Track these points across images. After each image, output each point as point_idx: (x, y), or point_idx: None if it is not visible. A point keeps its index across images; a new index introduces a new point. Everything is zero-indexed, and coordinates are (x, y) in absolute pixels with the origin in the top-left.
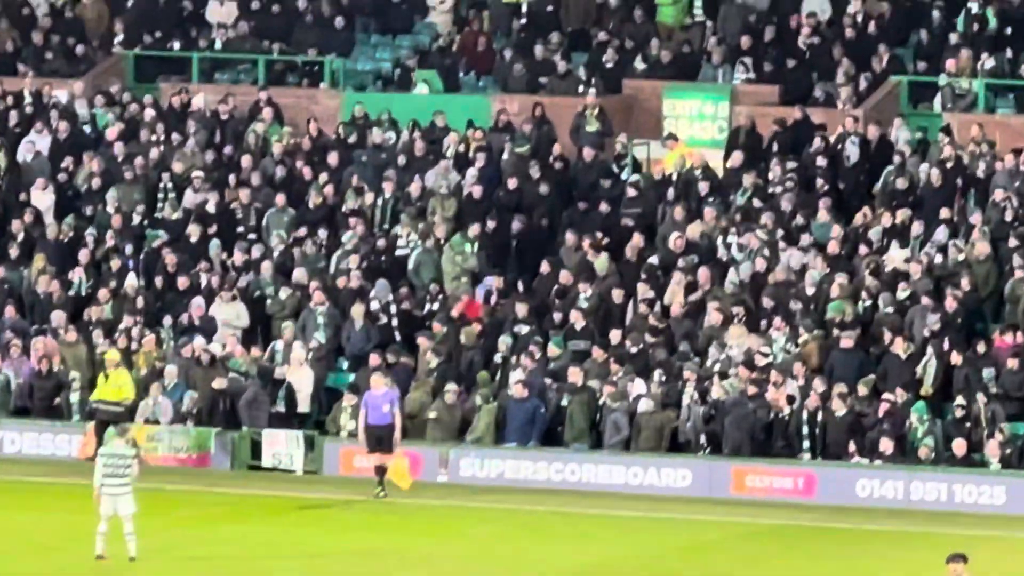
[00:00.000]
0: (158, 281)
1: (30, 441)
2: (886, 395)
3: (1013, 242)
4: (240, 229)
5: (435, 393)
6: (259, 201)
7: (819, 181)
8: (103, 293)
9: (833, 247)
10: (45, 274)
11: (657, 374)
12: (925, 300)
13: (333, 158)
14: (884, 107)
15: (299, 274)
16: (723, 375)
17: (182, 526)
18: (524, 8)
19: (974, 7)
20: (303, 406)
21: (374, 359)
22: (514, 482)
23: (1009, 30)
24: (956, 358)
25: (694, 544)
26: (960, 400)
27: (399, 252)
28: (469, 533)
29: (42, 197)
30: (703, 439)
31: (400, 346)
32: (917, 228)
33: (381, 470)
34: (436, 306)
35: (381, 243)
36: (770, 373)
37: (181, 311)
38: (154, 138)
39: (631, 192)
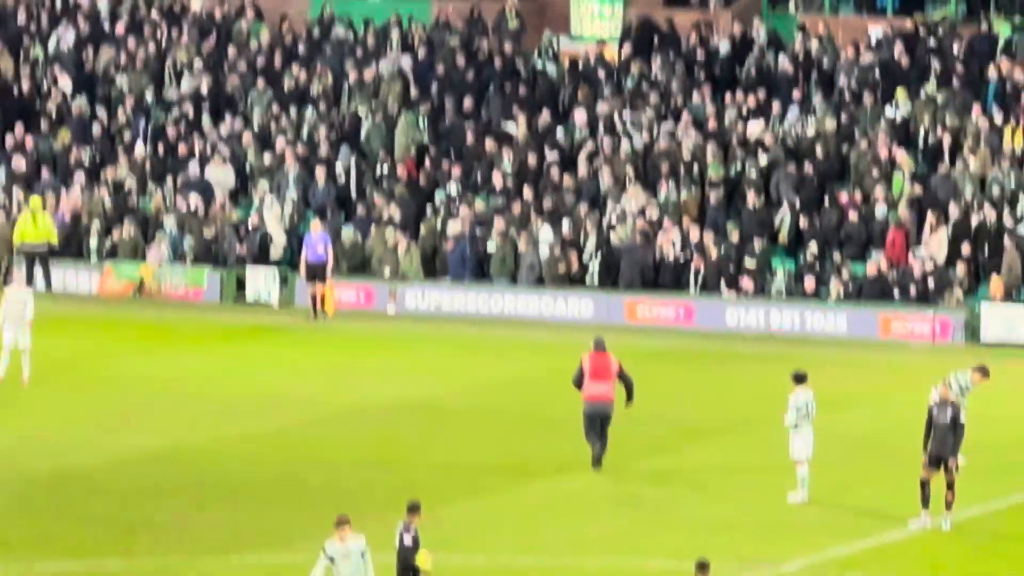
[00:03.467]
0: (161, 149)
1: (54, 277)
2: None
3: (847, 120)
4: (230, 107)
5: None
6: (244, 84)
7: (697, 69)
8: (122, 159)
9: (708, 123)
10: (70, 144)
11: (564, 223)
12: (790, 168)
13: (303, 49)
14: (749, 9)
15: (278, 143)
16: (620, 223)
17: (187, 345)
18: None
19: None
20: (277, 251)
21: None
22: (450, 312)
23: None
24: (805, 218)
25: None
26: (812, 247)
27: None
28: (412, 352)
29: (67, 81)
30: (600, 277)
31: (358, 200)
32: (776, 108)
33: (315, 299)
34: (386, 168)
35: (343, 119)
36: (660, 223)
37: (180, 173)
38: (158, 34)
39: (541, 79)
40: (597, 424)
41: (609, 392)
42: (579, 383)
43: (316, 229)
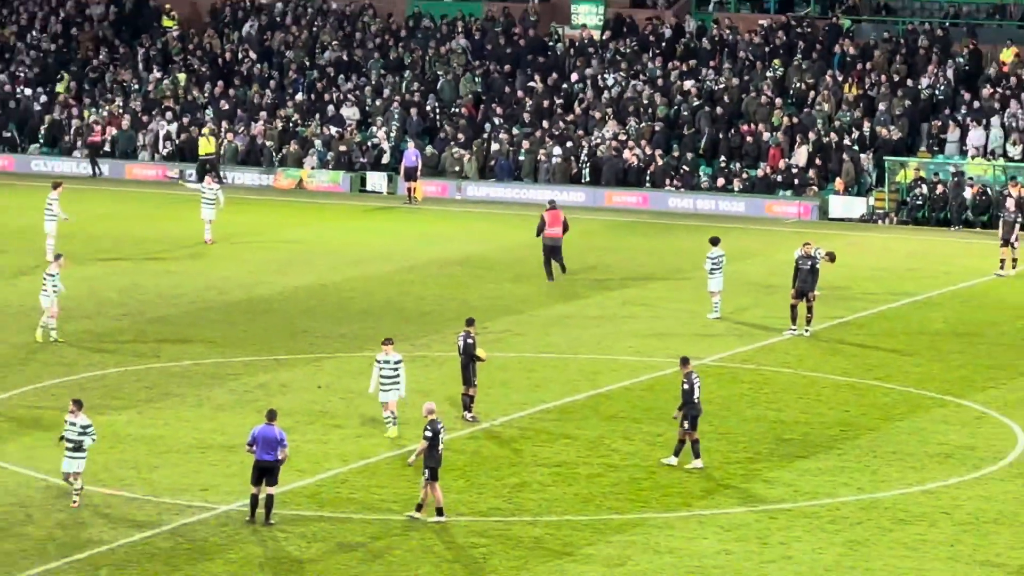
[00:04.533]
0: (313, 96)
1: (245, 178)
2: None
3: (746, 79)
4: (356, 70)
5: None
6: (365, 55)
7: (650, 47)
8: (289, 103)
9: (658, 81)
10: (255, 93)
11: (568, 144)
12: (708, 109)
13: (403, 33)
14: (684, 7)
15: (386, 92)
16: (602, 143)
17: (329, 220)
18: None
19: None
20: (386, 160)
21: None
22: (497, 199)
23: None
24: (719, 140)
25: (585, 231)
26: (723, 158)
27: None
28: (472, 226)
29: (253, 54)
30: (589, 177)
31: (441, 127)
32: (703, 71)
33: (409, 190)
34: (455, 109)
35: (428, 78)
36: (627, 143)
37: (324, 111)
38: (312, 24)
39: (551, 53)
40: (551, 252)
41: (559, 232)
42: (541, 228)
43: (411, 146)
